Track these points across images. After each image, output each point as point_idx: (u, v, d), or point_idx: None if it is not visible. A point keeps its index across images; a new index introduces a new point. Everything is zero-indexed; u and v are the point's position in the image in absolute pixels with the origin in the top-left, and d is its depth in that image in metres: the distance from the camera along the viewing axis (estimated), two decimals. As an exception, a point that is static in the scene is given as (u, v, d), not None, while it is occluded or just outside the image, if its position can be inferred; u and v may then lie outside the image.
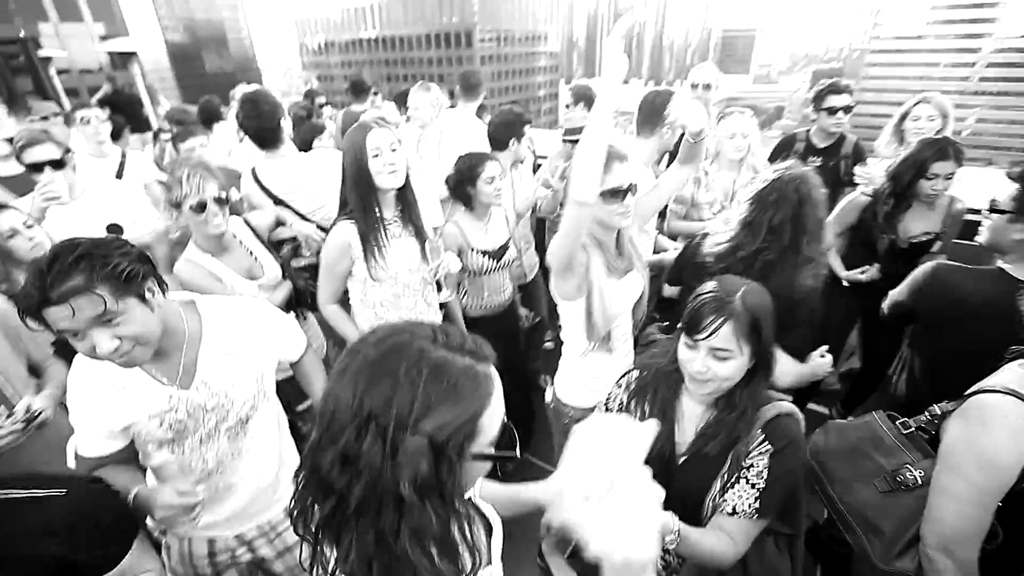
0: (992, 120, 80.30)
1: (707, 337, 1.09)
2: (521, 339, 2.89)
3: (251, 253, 1.93)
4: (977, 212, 1.99)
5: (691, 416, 1.23)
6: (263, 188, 2.38)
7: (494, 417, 0.66)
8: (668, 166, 3.41)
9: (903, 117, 2.56)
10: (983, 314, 1.46)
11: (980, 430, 1.09)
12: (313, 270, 2.03)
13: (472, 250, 2.29)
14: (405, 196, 1.86)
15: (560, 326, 1.78)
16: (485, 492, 0.97)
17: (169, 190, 1.72)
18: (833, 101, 2.74)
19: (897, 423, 1.32)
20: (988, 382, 1.15)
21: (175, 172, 1.70)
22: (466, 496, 0.82)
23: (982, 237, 1.57)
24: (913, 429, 1.28)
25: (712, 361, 1.11)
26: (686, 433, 1.22)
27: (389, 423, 0.58)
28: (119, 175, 2.96)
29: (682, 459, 1.21)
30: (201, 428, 1.23)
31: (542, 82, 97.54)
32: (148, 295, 1.07)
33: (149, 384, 1.17)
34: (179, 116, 3.95)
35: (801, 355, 1.59)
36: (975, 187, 2.30)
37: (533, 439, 2.76)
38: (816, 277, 1.63)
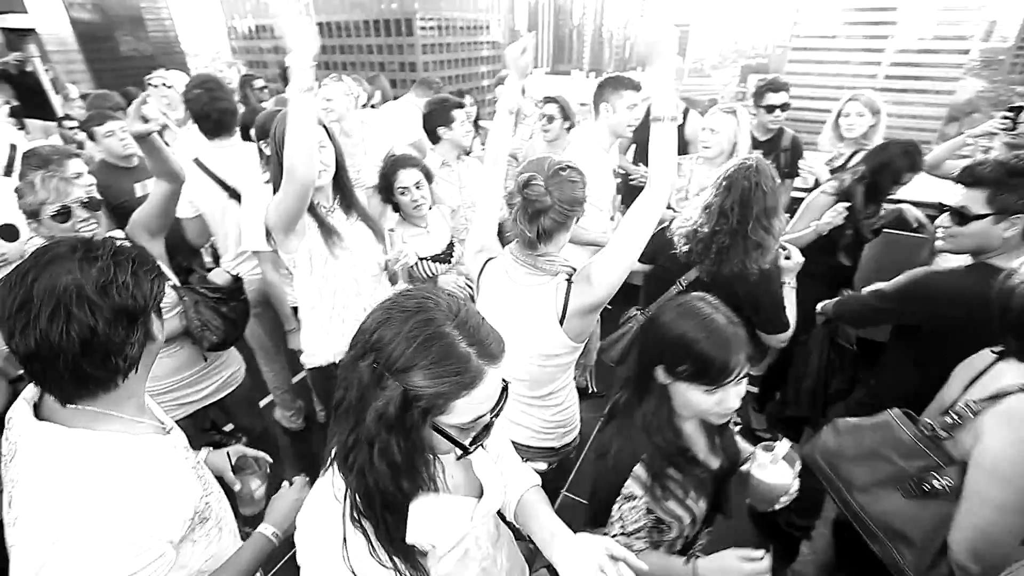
0: (897, 115, 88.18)
1: (741, 376, 1.05)
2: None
3: None
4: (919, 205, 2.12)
5: (695, 438, 1.20)
6: (211, 175, 2.25)
7: (472, 408, 0.71)
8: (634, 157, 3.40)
9: (838, 115, 2.68)
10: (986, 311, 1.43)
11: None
12: (227, 292, 1.83)
13: (420, 260, 2.19)
14: (341, 183, 1.77)
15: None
16: (526, 502, 1.00)
17: (21, 196, 1.45)
18: (771, 99, 2.86)
19: (919, 425, 1.23)
20: (1007, 380, 1.11)
21: (25, 174, 1.45)
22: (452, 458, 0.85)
23: (943, 244, 1.58)
24: (935, 432, 1.19)
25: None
26: (701, 451, 1.19)
27: (381, 359, 0.69)
28: (7, 171, 2.58)
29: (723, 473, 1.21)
30: None
31: (485, 72, 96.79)
32: None
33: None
34: (99, 103, 3.55)
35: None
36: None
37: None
38: (766, 261, 1.67)
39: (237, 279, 1.89)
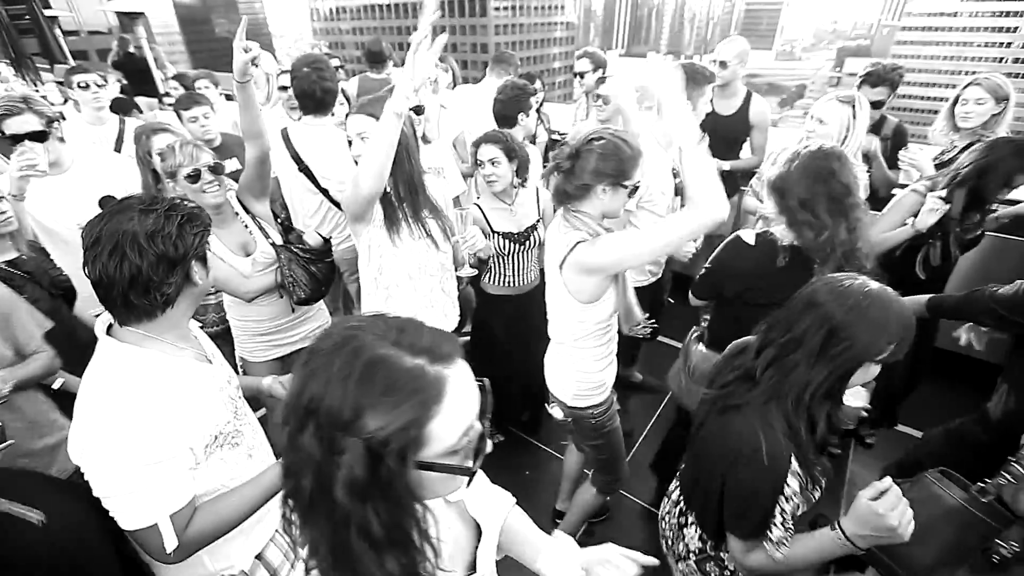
0: (1024, 104, 77.26)
1: None
2: (541, 323, 2.81)
3: (246, 227, 1.88)
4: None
5: None
6: (291, 151, 2.37)
7: (453, 424, 0.59)
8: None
9: (955, 102, 2.35)
10: None
11: None
12: (318, 251, 1.95)
13: (494, 233, 2.22)
14: (412, 180, 1.78)
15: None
16: (512, 521, 0.95)
17: (163, 159, 1.71)
18: (867, 93, 2.53)
19: (972, 491, 1.14)
20: None
21: (157, 144, 1.66)
22: (450, 498, 0.75)
23: None
24: (992, 497, 1.11)
25: None
26: None
27: (323, 421, 0.56)
28: (118, 146, 2.84)
29: None
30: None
31: (557, 54, 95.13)
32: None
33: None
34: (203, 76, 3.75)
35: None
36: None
37: (541, 422, 2.73)
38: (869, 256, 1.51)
39: (327, 242, 2.01)
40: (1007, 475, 1.13)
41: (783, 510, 1.05)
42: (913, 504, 1.10)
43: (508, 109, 2.57)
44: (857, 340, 0.98)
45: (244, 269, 1.81)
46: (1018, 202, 2.13)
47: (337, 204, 2.46)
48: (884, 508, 0.93)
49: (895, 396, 2.46)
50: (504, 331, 2.42)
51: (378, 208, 1.71)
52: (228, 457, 1.13)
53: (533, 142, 3.04)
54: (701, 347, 1.79)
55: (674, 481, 1.45)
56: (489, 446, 0.65)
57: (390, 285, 1.81)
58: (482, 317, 2.50)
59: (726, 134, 3.01)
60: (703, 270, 1.78)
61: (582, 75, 3.33)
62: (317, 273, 1.93)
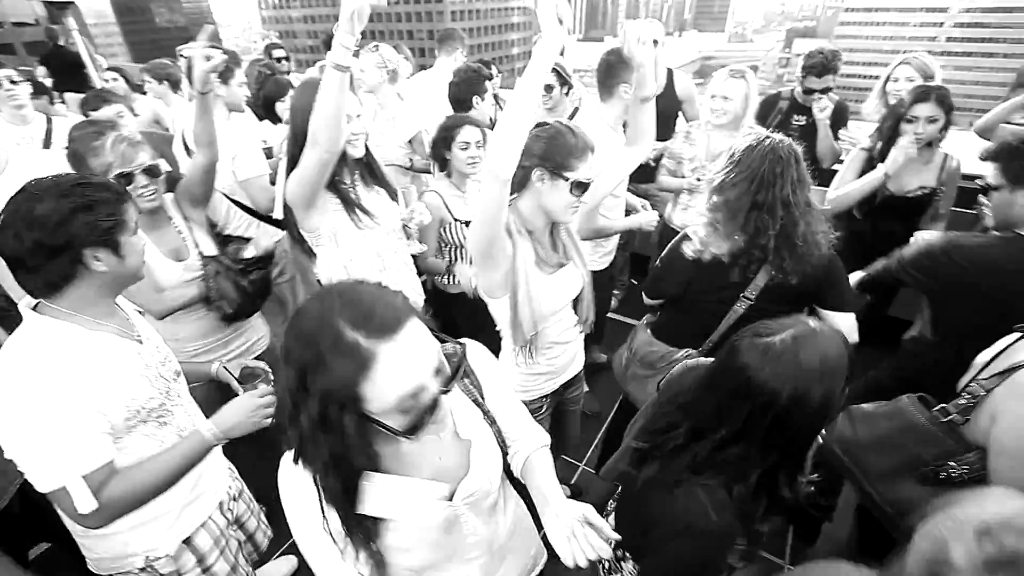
0: (959, 81, 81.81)
1: None
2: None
3: (180, 233, 1.76)
4: (973, 179, 1.95)
5: None
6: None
7: (387, 389, 0.71)
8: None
9: (887, 80, 2.49)
10: (1016, 282, 1.41)
11: None
12: (261, 261, 1.85)
13: (455, 221, 2.16)
14: (364, 160, 1.77)
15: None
16: (530, 465, 1.02)
17: (93, 157, 1.54)
18: (812, 83, 2.69)
19: (933, 411, 1.22)
20: None
21: (88, 140, 1.52)
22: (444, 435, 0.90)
23: (990, 221, 1.57)
24: (951, 416, 1.18)
25: None
26: None
27: (293, 371, 0.72)
28: (47, 143, 2.67)
29: None
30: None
31: (516, 39, 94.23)
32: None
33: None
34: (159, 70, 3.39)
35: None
36: (954, 147, 2.26)
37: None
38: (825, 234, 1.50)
39: (265, 256, 1.89)
40: (967, 394, 1.17)
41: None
42: (881, 418, 1.25)
43: (462, 92, 2.53)
44: (807, 414, 0.87)
45: (174, 276, 1.69)
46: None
47: (239, 205, 2.35)
48: None
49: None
50: (468, 333, 2.31)
51: (328, 195, 1.66)
52: (156, 434, 1.17)
53: (492, 128, 3.03)
54: (648, 333, 1.80)
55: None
56: (446, 416, 0.80)
57: (362, 270, 1.78)
58: (445, 321, 2.32)
59: (658, 113, 3.05)
60: (652, 270, 1.82)
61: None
62: (248, 287, 1.80)
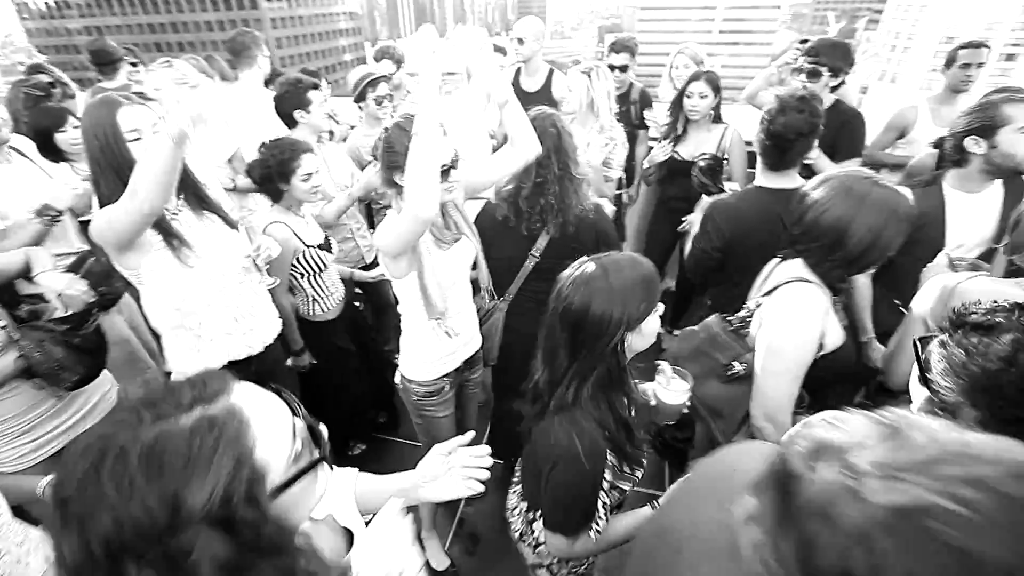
0: (731, 65, 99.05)
1: None
2: (368, 323, 2.75)
3: None
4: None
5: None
6: None
7: (271, 443, 0.56)
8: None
9: (671, 67, 3.00)
10: (767, 227, 1.72)
11: (788, 314, 1.30)
12: (75, 319, 1.56)
13: (307, 248, 2.03)
14: (186, 179, 1.57)
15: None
16: (361, 487, 1.00)
17: None
18: (613, 60, 3.08)
19: (724, 320, 1.50)
20: (781, 277, 1.37)
21: None
22: (315, 514, 0.70)
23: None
24: (736, 325, 1.46)
25: None
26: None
27: (141, 549, 0.47)
28: None
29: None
30: None
31: (346, 45, 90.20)
32: None
33: None
34: None
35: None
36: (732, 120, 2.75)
37: (399, 418, 2.72)
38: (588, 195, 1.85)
39: (84, 313, 1.60)
40: (746, 308, 1.47)
41: (605, 503, 1.14)
42: (695, 332, 1.53)
43: (284, 106, 2.41)
44: (604, 322, 1.02)
45: None
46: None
47: None
48: None
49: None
50: (337, 353, 2.23)
51: (149, 233, 1.46)
52: None
53: (331, 137, 2.91)
54: None
55: (515, 475, 1.49)
56: (324, 430, 0.65)
57: (196, 311, 1.60)
58: (318, 352, 2.21)
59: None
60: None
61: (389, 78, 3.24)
62: (83, 344, 1.53)
